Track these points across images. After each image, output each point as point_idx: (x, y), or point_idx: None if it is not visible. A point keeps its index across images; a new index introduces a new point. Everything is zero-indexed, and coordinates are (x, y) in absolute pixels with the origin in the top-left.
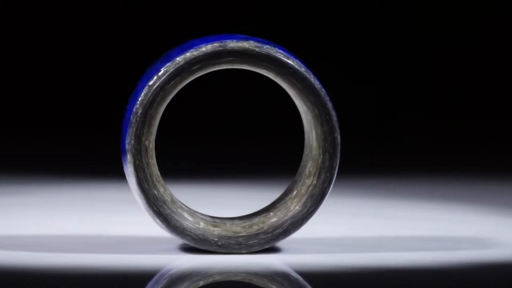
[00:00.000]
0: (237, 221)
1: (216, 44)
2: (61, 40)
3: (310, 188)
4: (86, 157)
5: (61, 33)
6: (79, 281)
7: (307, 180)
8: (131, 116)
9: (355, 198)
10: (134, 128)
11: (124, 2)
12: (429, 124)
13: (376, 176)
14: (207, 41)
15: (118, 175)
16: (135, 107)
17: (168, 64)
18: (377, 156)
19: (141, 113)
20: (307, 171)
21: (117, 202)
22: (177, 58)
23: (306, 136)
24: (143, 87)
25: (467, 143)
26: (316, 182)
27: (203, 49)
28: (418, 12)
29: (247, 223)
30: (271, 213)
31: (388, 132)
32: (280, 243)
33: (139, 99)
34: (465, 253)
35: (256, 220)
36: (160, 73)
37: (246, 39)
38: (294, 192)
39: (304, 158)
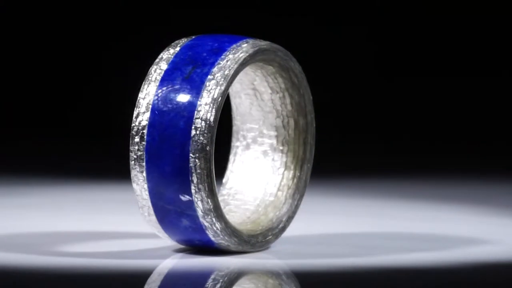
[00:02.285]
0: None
1: (250, 43)
2: (62, 41)
3: (295, 180)
4: (85, 158)
5: (63, 35)
6: (78, 281)
7: (286, 172)
8: None
9: (355, 198)
10: None
11: (124, 2)
12: (429, 124)
13: (376, 176)
14: (232, 40)
15: (118, 175)
16: None
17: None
18: (377, 156)
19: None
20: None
21: (117, 203)
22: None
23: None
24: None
25: (467, 143)
26: (300, 174)
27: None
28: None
29: (249, 222)
30: (260, 209)
31: (388, 132)
32: (277, 243)
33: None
34: (464, 253)
35: (254, 218)
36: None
37: (245, 39)
38: (271, 182)
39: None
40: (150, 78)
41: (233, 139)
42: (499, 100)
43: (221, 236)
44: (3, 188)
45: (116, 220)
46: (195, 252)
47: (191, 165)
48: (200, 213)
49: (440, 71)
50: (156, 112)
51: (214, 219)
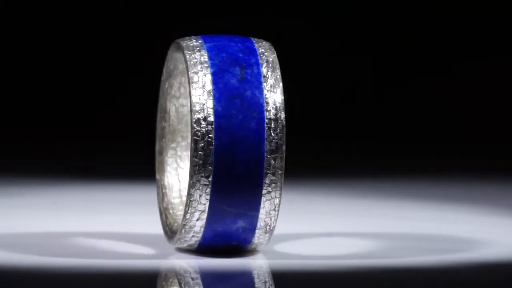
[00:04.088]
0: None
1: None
2: (63, 41)
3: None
4: (85, 158)
5: (64, 36)
6: (78, 281)
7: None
8: None
9: (355, 198)
10: None
11: (124, 2)
12: (428, 123)
13: (376, 176)
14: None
15: (117, 175)
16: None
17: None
18: (376, 156)
19: None
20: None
21: (116, 203)
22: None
23: None
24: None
25: (467, 143)
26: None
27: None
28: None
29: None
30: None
31: (388, 132)
32: (274, 243)
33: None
34: (464, 253)
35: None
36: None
37: (247, 38)
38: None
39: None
40: (198, 83)
41: (166, 140)
42: (499, 100)
43: (268, 234)
44: (3, 188)
45: (115, 220)
46: (195, 252)
47: (266, 165)
48: (263, 212)
49: (440, 72)
50: (222, 116)
51: (273, 218)
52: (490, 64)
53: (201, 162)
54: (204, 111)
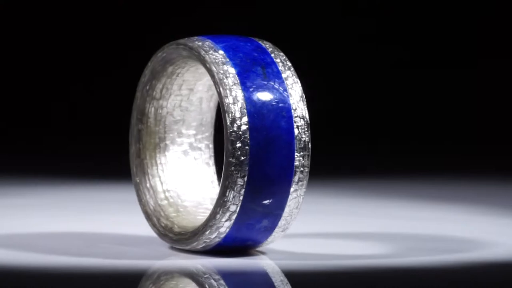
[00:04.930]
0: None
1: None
2: (60, 41)
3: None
4: (85, 158)
5: (62, 36)
6: (77, 281)
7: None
8: None
9: (355, 198)
10: None
11: (124, 2)
12: (428, 123)
13: (376, 176)
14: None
15: (117, 175)
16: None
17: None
18: (377, 157)
19: None
20: None
21: (116, 203)
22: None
23: None
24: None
25: (468, 143)
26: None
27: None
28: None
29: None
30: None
31: (388, 132)
32: (276, 243)
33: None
34: (464, 253)
35: None
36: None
37: (249, 37)
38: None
39: None
40: (227, 83)
41: (143, 142)
42: (499, 99)
43: (283, 233)
44: (3, 188)
45: (114, 221)
46: (195, 252)
47: (296, 164)
48: (287, 211)
49: (440, 71)
50: (255, 115)
51: (293, 216)
52: (489, 64)
53: (237, 162)
54: (238, 112)
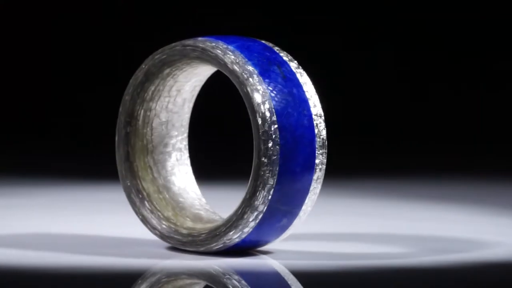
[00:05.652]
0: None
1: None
2: (57, 41)
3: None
4: (85, 158)
5: (59, 35)
6: (76, 280)
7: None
8: None
9: (355, 198)
10: None
11: (123, 2)
12: (428, 123)
13: (376, 177)
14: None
15: (116, 176)
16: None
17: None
18: (377, 157)
19: None
20: None
21: (115, 203)
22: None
23: None
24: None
25: (468, 143)
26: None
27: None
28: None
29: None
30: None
31: (388, 133)
32: (280, 243)
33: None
34: (464, 253)
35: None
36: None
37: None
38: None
39: None
40: (251, 83)
41: (132, 144)
42: (499, 99)
43: (290, 232)
44: (3, 188)
45: (113, 221)
46: (190, 252)
47: (317, 161)
48: (303, 209)
49: (440, 70)
50: (282, 114)
51: (306, 214)
52: (489, 64)
53: (269, 162)
54: (267, 111)
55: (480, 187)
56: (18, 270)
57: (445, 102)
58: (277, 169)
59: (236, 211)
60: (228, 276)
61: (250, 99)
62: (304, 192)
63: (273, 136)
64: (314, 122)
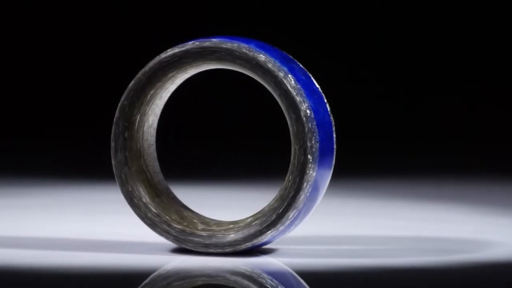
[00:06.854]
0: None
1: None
2: (55, 41)
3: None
4: (84, 158)
5: (57, 35)
6: (75, 280)
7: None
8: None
9: (355, 198)
10: None
11: (123, 2)
12: (428, 123)
13: (377, 177)
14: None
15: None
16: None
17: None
18: (378, 157)
19: None
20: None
21: (115, 203)
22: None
23: None
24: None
25: (468, 143)
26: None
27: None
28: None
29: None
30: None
31: (389, 133)
32: (277, 243)
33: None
34: (464, 254)
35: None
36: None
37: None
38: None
39: None
40: (290, 82)
41: (128, 149)
42: (499, 99)
43: (297, 227)
44: (3, 188)
45: (113, 221)
46: (193, 252)
47: (333, 157)
48: (315, 206)
49: (439, 70)
50: (316, 112)
51: (311, 211)
52: (488, 64)
53: (313, 159)
54: (308, 110)
55: (480, 187)
56: (18, 270)
57: (445, 102)
58: (317, 165)
59: (276, 209)
60: (262, 277)
61: (291, 98)
62: (324, 188)
63: (315, 133)
64: (331, 118)
